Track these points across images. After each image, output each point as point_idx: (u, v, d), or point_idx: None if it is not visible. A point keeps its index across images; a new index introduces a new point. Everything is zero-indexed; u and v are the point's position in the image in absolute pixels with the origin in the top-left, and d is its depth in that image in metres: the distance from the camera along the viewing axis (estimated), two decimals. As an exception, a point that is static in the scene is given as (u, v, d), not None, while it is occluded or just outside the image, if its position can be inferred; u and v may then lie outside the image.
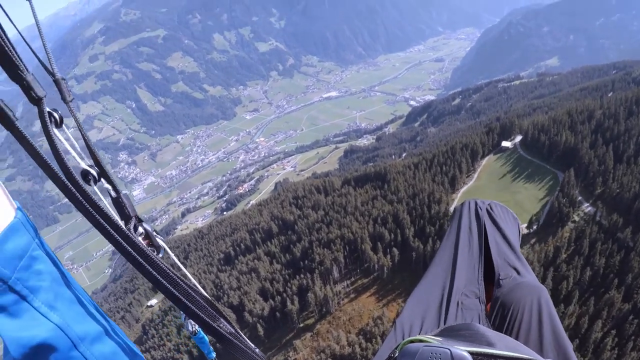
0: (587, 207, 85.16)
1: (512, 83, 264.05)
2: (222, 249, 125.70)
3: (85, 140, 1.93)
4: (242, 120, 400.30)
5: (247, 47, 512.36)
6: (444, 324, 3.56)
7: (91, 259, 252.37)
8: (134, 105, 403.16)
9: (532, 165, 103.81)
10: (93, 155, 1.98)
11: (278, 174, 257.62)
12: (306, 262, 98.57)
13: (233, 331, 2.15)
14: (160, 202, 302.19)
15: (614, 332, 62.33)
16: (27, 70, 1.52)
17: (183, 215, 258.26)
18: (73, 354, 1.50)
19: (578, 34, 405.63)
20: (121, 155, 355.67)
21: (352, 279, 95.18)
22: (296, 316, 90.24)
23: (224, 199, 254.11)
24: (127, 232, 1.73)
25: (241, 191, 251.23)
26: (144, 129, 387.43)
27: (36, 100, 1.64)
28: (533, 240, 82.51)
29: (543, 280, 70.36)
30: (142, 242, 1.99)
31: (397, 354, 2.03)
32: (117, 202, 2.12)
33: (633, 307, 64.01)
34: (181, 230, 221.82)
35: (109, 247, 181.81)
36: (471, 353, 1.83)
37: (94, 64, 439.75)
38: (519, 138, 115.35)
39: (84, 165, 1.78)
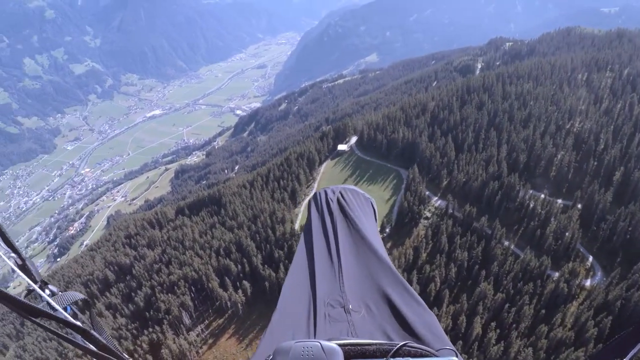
0: (437, 201, 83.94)
1: (336, 82, 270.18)
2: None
3: None
4: (64, 152, 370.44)
5: (61, 70, 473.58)
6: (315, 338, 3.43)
7: None
8: None
9: (373, 165, 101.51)
10: None
11: (109, 206, 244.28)
12: (152, 312, 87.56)
13: None
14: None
15: (494, 324, 60.66)
16: None
17: (13, 270, 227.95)
18: None
19: (393, 30, 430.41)
20: None
21: (206, 321, 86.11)
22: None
23: (55, 243, 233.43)
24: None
25: (72, 232, 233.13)
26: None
27: None
28: (389, 245, 79.18)
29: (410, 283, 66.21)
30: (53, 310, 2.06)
31: (271, 356, 2.16)
32: (24, 269, 2.20)
33: (507, 295, 63.06)
34: (14, 288, 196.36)
35: None
36: (339, 345, 2.08)
37: None
38: (354, 139, 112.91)
39: None
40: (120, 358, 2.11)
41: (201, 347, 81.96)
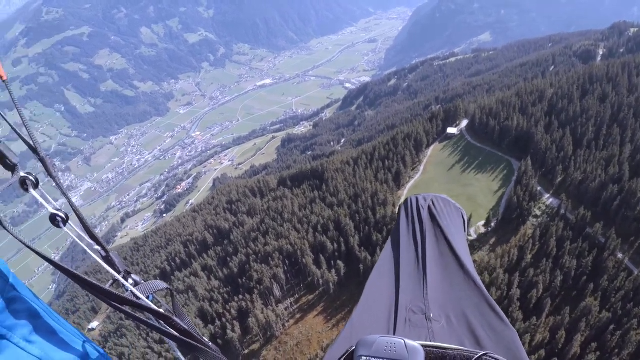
0: (548, 199, 77.88)
1: (448, 60, 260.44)
2: (157, 263, 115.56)
3: (71, 205, 2.03)
4: (176, 115, 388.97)
5: (176, 39, 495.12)
6: None
7: (33, 275, 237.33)
8: (62, 109, 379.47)
9: (483, 153, 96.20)
10: (80, 219, 2.12)
11: (216, 169, 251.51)
12: (244, 279, 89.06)
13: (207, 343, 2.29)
14: (99, 207, 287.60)
15: (595, 345, 54.72)
16: None
17: (122, 220, 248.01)
18: None
19: (509, 8, 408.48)
20: (56, 162, 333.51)
21: (296, 296, 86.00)
22: (239, 343, 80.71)
23: (163, 200, 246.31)
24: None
25: (179, 190, 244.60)
26: (75, 132, 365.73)
27: (11, 167, 1.78)
28: (492, 241, 74.97)
29: (509, 289, 62.65)
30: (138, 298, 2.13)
31: (354, 347, 2.24)
32: (108, 260, 2.28)
33: (613, 315, 56.34)
34: (121, 238, 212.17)
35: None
36: (423, 346, 2.13)
37: (17, 68, 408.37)
38: (465, 123, 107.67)
39: (51, 210, 1.84)
40: (202, 343, 2.18)
41: (288, 321, 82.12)
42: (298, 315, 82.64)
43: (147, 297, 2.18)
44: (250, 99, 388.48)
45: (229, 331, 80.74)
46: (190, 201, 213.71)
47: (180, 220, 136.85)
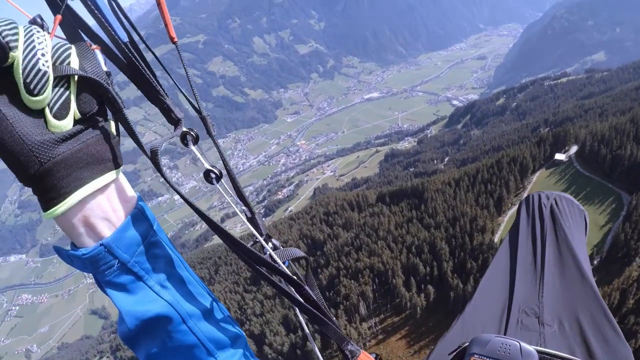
0: None
1: (559, 81, 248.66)
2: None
3: (226, 166, 2.18)
4: (283, 123, 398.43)
5: (287, 49, 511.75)
6: None
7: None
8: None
9: (591, 183, 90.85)
10: (232, 179, 2.29)
11: (317, 179, 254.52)
12: (332, 292, 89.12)
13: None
14: (201, 206, 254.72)
15: None
16: (166, 94, 1.79)
17: (222, 220, 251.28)
18: (181, 327, 1.67)
19: (625, 26, 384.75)
20: (163, 160, 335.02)
21: (382, 316, 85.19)
22: (320, 355, 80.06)
23: (263, 204, 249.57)
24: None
25: (280, 196, 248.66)
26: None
27: (175, 121, 1.93)
28: (594, 280, 69.79)
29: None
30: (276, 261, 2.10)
31: (467, 344, 2.25)
32: (253, 222, 2.34)
33: None
34: (217, 238, 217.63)
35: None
36: (538, 352, 2.10)
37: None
38: (574, 149, 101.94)
39: (207, 166, 2.00)
40: (326, 315, 2.13)
41: (369, 341, 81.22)
42: (381, 337, 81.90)
43: (284, 263, 2.17)
44: (356, 111, 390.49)
45: (308, 343, 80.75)
46: (289, 208, 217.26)
47: (276, 226, 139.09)
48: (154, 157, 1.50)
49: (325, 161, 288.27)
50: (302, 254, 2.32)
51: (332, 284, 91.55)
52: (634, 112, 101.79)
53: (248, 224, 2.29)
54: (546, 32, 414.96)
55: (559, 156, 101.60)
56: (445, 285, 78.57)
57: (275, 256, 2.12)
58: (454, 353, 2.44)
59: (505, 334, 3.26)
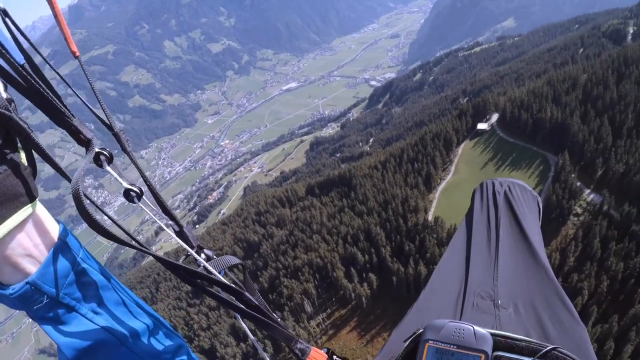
0: (589, 195, 73.10)
1: (473, 50, 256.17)
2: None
3: (146, 182, 2.11)
4: (205, 126, 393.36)
5: (199, 50, 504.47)
6: None
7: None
8: (92, 127, 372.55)
9: (516, 148, 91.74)
10: (154, 194, 2.22)
11: (246, 177, 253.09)
12: (274, 295, 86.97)
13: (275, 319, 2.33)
14: (134, 222, 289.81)
15: None
16: (72, 115, 1.69)
17: (156, 234, 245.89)
18: (121, 350, 1.66)
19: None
20: (87, 180, 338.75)
21: (328, 310, 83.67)
22: (271, 362, 78.30)
23: (195, 211, 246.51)
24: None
25: (211, 200, 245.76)
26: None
27: (85, 143, 1.84)
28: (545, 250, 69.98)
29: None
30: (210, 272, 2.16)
31: (421, 330, 2.27)
32: (181, 235, 2.31)
33: None
34: (155, 251, 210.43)
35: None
36: (491, 334, 2.13)
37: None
38: (495, 117, 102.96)
39: (126, 185, 1.95)
40: (270, 318, 2.20)
41: (320, 337, 79.97)
42: (331, 332, 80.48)
43: (219, 272, 2.19)
44: (276, 103, 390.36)
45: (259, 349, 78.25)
46: (222, 210, 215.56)
47: (210, 233, 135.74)
48: (77, 200, 1.45)
49: (251, 158, 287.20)
50: (237, 260, 2.35)
51: (273, 285, 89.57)
52: (550, 75, 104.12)
53: (177, 238, 2.25)
54: (455, 4, 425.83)
55: (482, 125, 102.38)
56: (387, 271, 77.51)
57: (209, 267, 2.12)
58: (409, 340, 2.44)
59: (460, 318, 3.32)
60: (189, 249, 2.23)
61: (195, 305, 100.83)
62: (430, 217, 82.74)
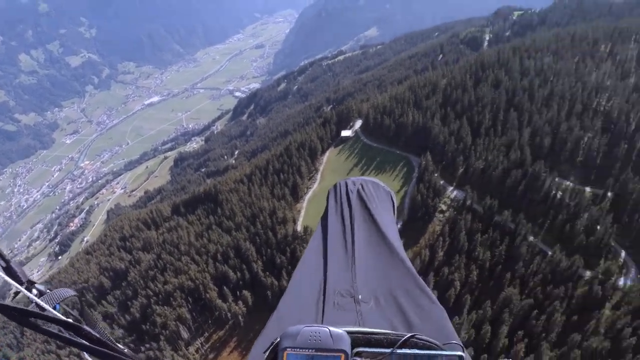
0: (452, 192, 77.39)
1: (336, 59, 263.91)
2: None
3: None
4: (63, 146, 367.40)
5: (57, 63, 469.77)
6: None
7: None
8: None
9: (380, 152, 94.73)
10: None
11: (109, 200, 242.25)
12: (148, 325, 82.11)
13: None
14: None
15: (521, 333, 54.45)
16: None
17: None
18: None
19: (393, 2, 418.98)
20: None
21: (206, 334, 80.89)
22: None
23: (56, 240, 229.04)
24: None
25: (73, 228, 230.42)
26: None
27: None
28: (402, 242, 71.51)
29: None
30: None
31: (278, 339, 2.22)
32: (9, 271, 2.19)
33: (535, 300, 56.74)
34: (14, 293, 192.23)
35: None
36: (348, 332, 2.15)
37: None
38: (359, 124, 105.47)
39: None
40: (115, 350, 2.12)
41: (203, 363, 76.59)
42: (211, 356, 77.97)
43: (54, 307, 2.09)
44: (139, 118, 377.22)
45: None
46: (85, 237, 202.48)
47: (73, 265, 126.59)
48: None
49: (113, 179, 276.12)
50: (72, 292, 2.23)
51: (145, 315, 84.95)
52: (411, 81, 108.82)
53: (4, 275, 2.11)
54: (320, 14, 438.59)
55: (345, 133, 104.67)
56: (260, 286, 76.64)
57: (42, 303, 2.00)
58: (268, 350, 2.43)
59: (322, 319, 3.32)
60: (18, 285, 2.07)
61: (65, 347, 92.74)
62: (299, 228, 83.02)
